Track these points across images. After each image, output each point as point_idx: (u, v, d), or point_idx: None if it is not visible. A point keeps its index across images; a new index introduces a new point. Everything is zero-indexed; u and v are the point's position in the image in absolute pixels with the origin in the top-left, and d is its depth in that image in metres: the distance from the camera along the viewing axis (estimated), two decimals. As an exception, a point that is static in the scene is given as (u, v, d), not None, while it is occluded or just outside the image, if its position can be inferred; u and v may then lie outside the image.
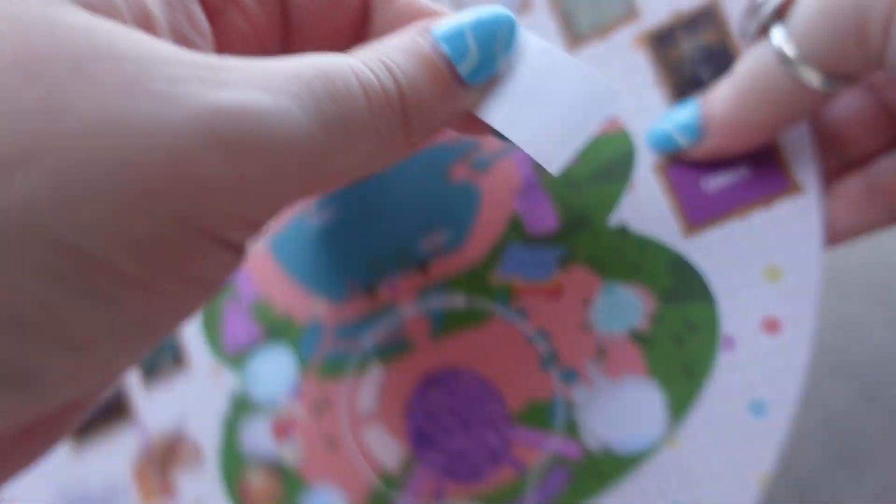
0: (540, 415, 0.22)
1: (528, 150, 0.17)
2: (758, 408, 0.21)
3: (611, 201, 0.22)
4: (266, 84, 0.13)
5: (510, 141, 0.17)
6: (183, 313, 0.14)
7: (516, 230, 0.22)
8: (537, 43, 0.18)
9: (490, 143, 0.23)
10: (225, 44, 0.18)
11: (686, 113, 0.22)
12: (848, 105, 0.23)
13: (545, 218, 0.22)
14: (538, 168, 0.22)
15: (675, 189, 0.22)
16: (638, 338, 0.22)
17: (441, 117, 0.17)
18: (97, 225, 0.11)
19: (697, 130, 0.22)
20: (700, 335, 0.21)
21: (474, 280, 0.22)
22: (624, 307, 0.22)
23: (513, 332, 0.22)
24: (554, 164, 0.17)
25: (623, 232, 0.22)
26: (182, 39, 0.16)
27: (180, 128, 0.12)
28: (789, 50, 0.19)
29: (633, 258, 0.22)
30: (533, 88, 0.17)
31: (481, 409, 0.22)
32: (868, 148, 0.23)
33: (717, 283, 0.21)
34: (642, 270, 0.22)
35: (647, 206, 0.22)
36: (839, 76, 0.19)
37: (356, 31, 0.19)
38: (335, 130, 0.14)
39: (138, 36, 0.13)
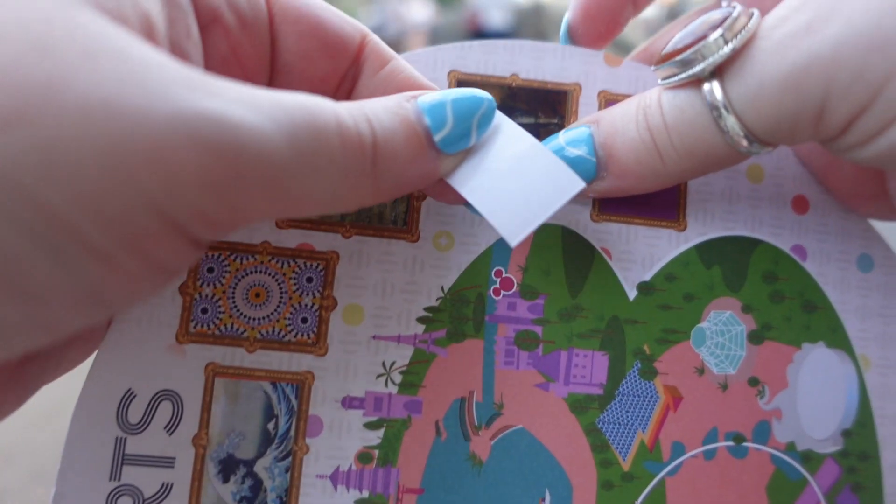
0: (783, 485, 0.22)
1: (492, 220, 0.19)
2: None
3: None
4: (250, 103, 0.15)
5: (478, 211, 0.19)
6: (135, 293, 0.15)
7: None
8: (514, 128, 0.20)
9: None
10: (207, 62, 0.19)
11: (579, 148, 0.21)
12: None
13: None
14: None
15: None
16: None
17: (413, 175, 0.18)
18: (75, 194, 0.13)
19: (594, 170, 0.21)
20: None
21: None
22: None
23: None
24: (514, 237, 0.19)
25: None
26: (178, 52, 0.17)
27: (165, 123, 0.13)
28: (726, 113, 0.19)
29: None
30: (504, 167, 0.19)
31: None
32: None
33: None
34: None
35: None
36: (767, 143, 0.19)
37: (341, 86, 0.21)
38: (305, 156, 0.15)
39: (142, 42, 0.14)
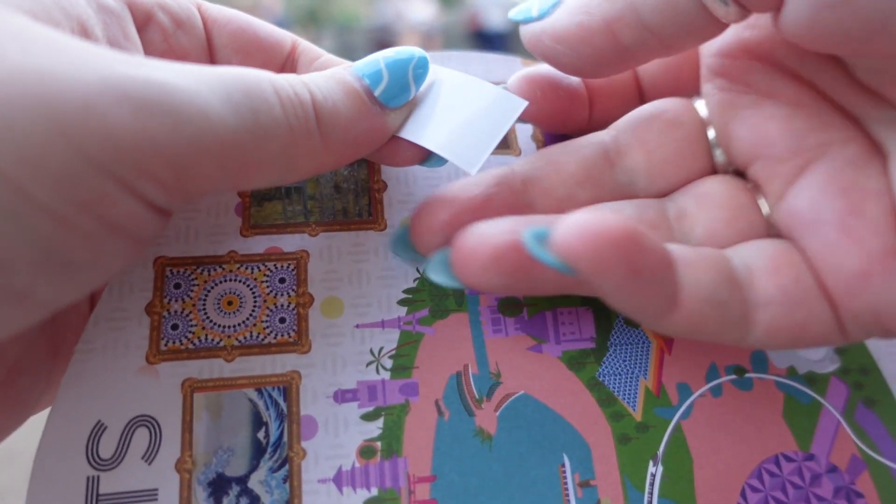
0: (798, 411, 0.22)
1: (448, 155, 0.20)
2: None
3: None
4: (182, 71, 0.15)
5: (433, 157, 0.20)
6: (101, 257, 0.15)
7: None
8: (449, 73, 0.21)
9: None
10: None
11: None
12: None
13: None
14: None
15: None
16: None
17: (361, 130, 0.19)
18: (18, 154, 0.13)
19: (553, 6, 0.20)
20: None
21: None
22: None
23: None
24: (472, 165, 0.19)
25: None
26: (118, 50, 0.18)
27: (96, 84, 0.14)
28: None
29: None
30: (448, 108, 0.20)
31: None
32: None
33: None
34: None
35: None
36: (744, 7, 0.17)
37: None
38: (244, 116, 0.16)
39: (73, 37, 0.15)
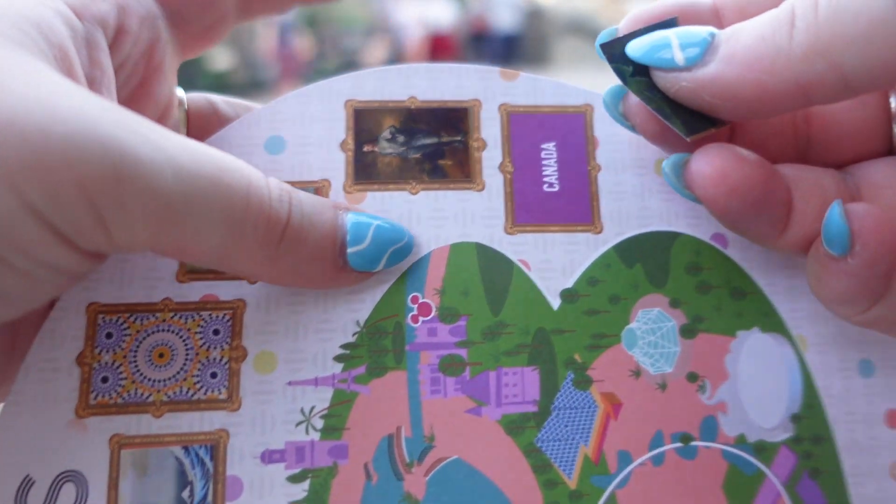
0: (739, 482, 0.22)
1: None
2: None
3: None
4: (148, 136, 0.16)
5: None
6: (36, 291, 0.16)
7: None
8: None
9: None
10: (119, 68, 0.20)
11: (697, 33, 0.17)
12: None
13: None
14: None
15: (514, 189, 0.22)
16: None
17: (313, 272, 0.19)
18: None
19: (703, 50, 0.17)
20: None
21: None
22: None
23: None
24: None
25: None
26: (94, 86, 0.19)
27: (58, 140, 0.14)
28: None
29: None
30: None
31: None
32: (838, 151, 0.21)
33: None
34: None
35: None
36: None
37: (239, 6, 0.22)
38: (193, 196, 0.16)
39: (55, 71, 0.16)
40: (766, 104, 0.17)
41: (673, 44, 0.17)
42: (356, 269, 0.20)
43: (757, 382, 0.22)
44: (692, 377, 0.22)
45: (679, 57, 0.17)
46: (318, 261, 0.19)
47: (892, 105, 0.21)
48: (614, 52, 0.20)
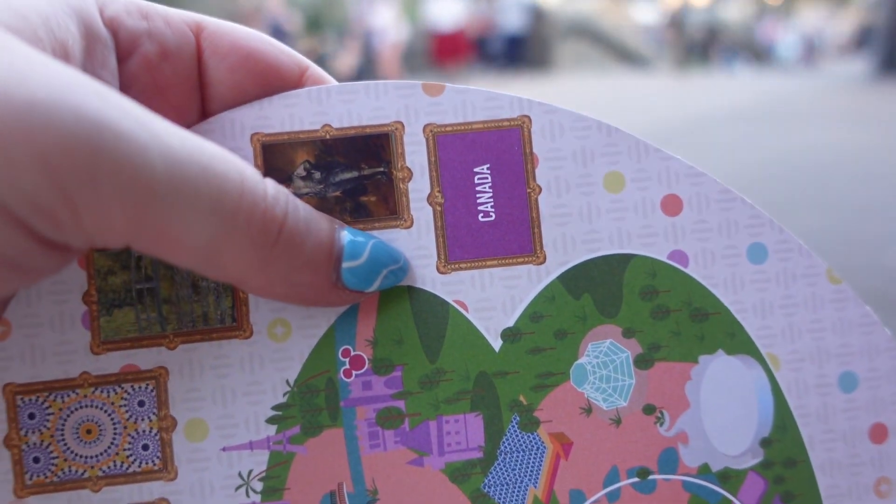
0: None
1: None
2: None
3: None
4: (135, 115, 0.14)
5: None
6: None
7: None
8: None
9: None
10: (127, 93, 0.19)
11: None
12: None
13: None
14: None
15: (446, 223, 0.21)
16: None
17: (304, 281, 0.18)
18: None
19: None
20: None
21: None
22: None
23: None
24: None
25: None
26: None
27: (22, 104, 0.13)
28: None
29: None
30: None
31: None
32: None
33: None
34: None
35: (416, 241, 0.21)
36: None
37: None
38: (180, 182, 0.14)
39: (44, 53, 0.14)
40: None
41: None
42: (349, 287, 0.19)
43: (721, 409, 0.21)
44: (649, 409, 0.21)
45: None
46: (313, 271, 0.18)
47: None
48: None
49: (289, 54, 0.20)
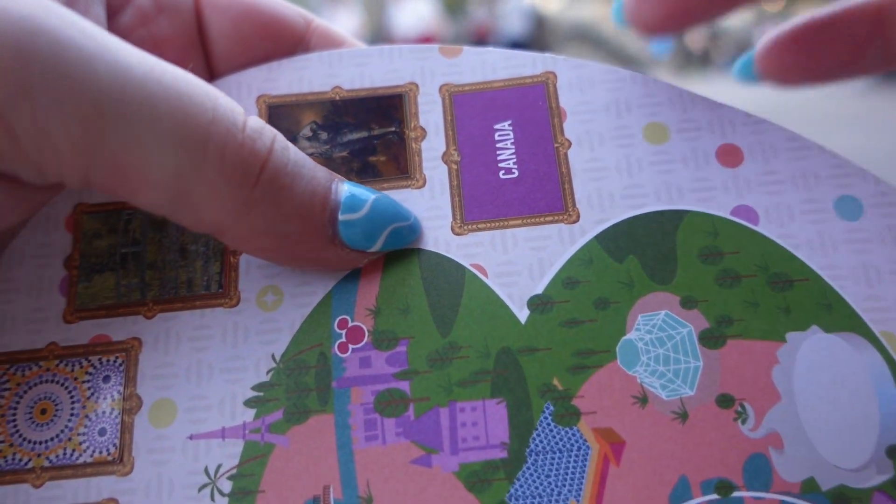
0: None
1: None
2: None
3: None
4: (97, 35, 0.13)
5: None
6: None
7: None
8: None
9: None
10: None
11: None
12: None
13: None
14: None
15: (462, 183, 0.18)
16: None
17: (292, 235, 0.16)
18: None
19: None
20: None
21: None
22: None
23: None
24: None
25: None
26: None
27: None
28: None
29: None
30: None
31: None
32: None
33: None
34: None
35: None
36: None
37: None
38: (138, 105, 0.13)
39: None
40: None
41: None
42: (348, 244, 0.16)
43: (826, 404, 0.16)
44: (725, 401, 0.16)
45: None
46: (304, 222, 0.16)
47: None
48: None
49: (293, 8, 0.20)
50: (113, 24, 0.18)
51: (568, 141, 0.18)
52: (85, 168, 0.13)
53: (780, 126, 0.18)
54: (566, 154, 0.18)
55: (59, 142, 0.13)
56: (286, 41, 0.19)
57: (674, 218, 0.17)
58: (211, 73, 0.20)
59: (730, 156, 0.18)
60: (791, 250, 0.17)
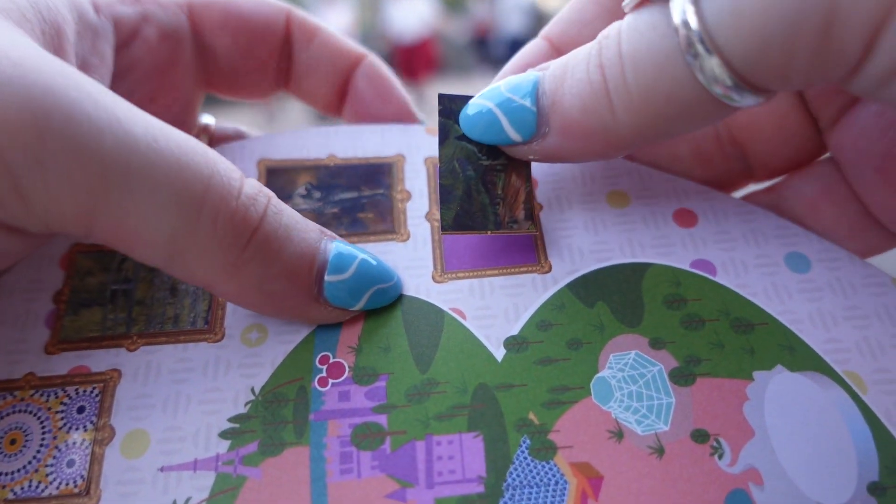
0: None
1: None
2: None
3: None
4: (108, 104, 0.14)
5: None
6: None
7: None
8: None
9: None
10: (132, 76, 0.20)
11: (521, 97, 0.17)
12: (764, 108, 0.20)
13: None
14: None
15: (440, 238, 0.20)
16: None
17: (279, 293, 0.16)
18: None
19: (533, 123, 0.17)
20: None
21: None
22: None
23: None
24: None
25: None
26: (84, 65, 0.17)
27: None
28: (696, 35, 0.14)
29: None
30: None
31: None
32: (776, 160, 0.20)
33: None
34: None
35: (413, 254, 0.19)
36: (757, 87, 0.14)
37: (280, 69, 0.22)
38: (140, 174, 0.14)
39: (23, 35, 0.14)
40: (611, 158, 0.18)
41: (504, 123, 0.18)
42: (332, 302, 0.17)
43: (800, 439, 0.16)
44: (700, 436, 0.16)
45: (514, 136, 0.17)
46: (290, 282, 0.16)
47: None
48: (452, 107, 0.19)
49: (270, 4, 0.21)
50: (123, 55, 0.19)
51: (540, 205, 0.20)
52: (87, 227, 0.14)
53: (727, 195, 0.20)
54: (539, 216, 0.20)
55: (66, 206, 0.14)
56: (274, 40, 0.21)
57: (638, 270, 0.19)
58: (209, 88, 0.22)
59: (685, 218, 0.20)
60: (749, 298, 0.18)
